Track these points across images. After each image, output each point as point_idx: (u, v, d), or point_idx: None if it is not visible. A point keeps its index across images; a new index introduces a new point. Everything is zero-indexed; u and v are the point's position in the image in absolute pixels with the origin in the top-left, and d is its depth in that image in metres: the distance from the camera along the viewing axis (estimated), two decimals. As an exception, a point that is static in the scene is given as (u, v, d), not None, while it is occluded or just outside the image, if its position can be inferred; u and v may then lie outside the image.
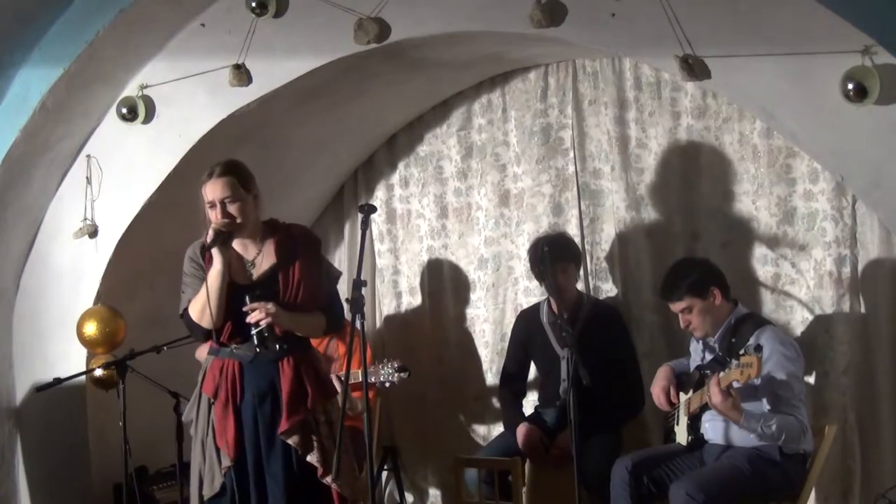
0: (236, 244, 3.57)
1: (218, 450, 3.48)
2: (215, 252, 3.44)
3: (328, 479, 3.46)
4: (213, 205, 3.50)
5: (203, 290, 3.42)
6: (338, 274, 3.73)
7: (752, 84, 3.65)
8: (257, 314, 3.40)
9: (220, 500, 3.50)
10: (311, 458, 3.46)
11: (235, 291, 3.46)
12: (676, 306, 3.91)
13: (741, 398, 3.60)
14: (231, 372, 3.50)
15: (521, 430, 4.35)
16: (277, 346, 3.46)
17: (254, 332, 3.43)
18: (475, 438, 5.14)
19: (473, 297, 5.17)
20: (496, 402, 5.02)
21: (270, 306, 3.39)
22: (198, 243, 3.56)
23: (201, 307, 3.43)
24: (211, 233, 3.43)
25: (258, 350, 3.45)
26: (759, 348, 3.54)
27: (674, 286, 3.91)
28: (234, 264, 3.54)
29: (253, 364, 3.50)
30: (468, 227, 5.16)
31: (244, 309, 3.42)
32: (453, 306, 5.23)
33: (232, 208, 3.48)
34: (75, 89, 4.45)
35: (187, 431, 3.67)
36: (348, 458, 3.52)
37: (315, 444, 3.47)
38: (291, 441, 3.45)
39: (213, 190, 3.49)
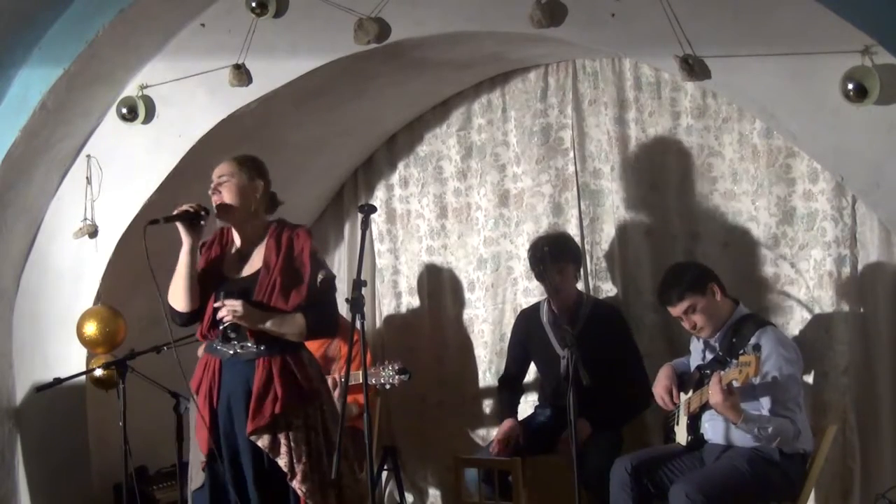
0: (236, 238, 3.58)
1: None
2: (183, 233, 3.44)
3: (295, 484, 3.42)
4: (212, 183, 3.51)
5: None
6: (330, 276, 3.57)
7: (752, 84, 3.65)
8: (222, 311, 3.40)
9: (204, 493, 3.52)
10: (280, 462, 3.42)
11: (222, 285, 3.48)
12: (678, 308, 3.87)
13: (740, 399, 3.60)
14: (212, 369, 3.50)
15: (504, 424, 4.38)
16: (255, 347, 3.44)
17: (220, 328, 3.44)
18: (474, 438, 5.14)
19: (472, 297, 5.17)
20: (495, 402, 5.02)
21: (237, 304, 3.37)
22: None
23: (173, 289, 3.47)
24: (176, 211, 3.44)
25: (236, 349, 3.45)
26: (757, 347, 3.54)
27: (672, 287, 3.88)
28: (229, 259, 3.56)
29: (230, 362, 3.48)
30: (467, 227, 5.16)
31: (214, 305, 3.42)
32: (452, 307, 5.23)
33: (224, 188, 3.48)
34: (75, 89, 4.45)
35: (187, 431, 3.68)
36: (329, 463, 3.46)
37: (283, 448, 3.42)
38: (259, 443, 3.42)
39: (215, 172, 3.52)
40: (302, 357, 3.55)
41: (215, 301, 3.42)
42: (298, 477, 3.41)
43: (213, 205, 3.50)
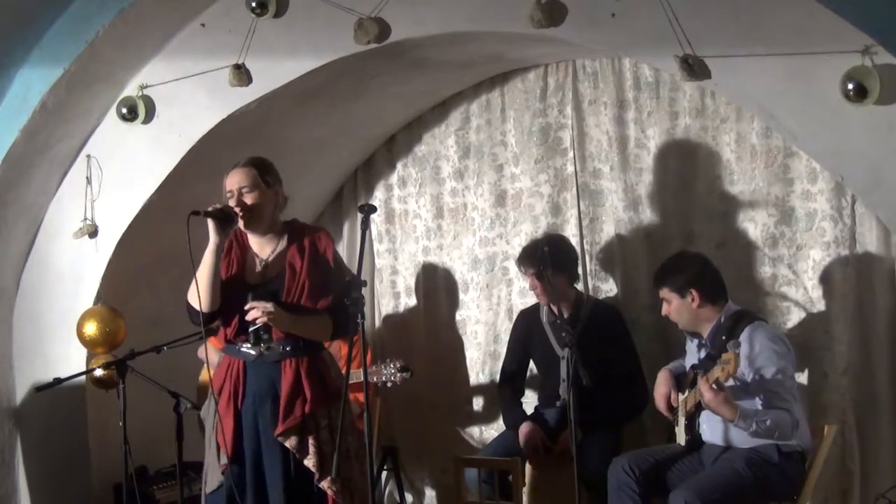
0: (253, 242, 3.58)
1: (219, 447, 3.49)
2: (212, 231, 3.41)
3: (324, 484, 3.43)
4: (231, 194, 3.49)
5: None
6: (351, 276, 3.59)
7: (752, 84, 3.66)
8: (254, 312, 3.40)
9: (218, 496, 3.51)
10: (308, 463, 3.43)
11: (244, 289, 3.47)
12: (659, 294, 3.97)
13: (734, 397, 3.61)
14: (235, 371, 3.51)
15: (523, 430, 4.36)
16: (281, 348, 3.45)
17: (250, 330, 3.44)
18: (468, 440, 5.14)
19: (466, 298, 5.17)
20: (489, 404, 5.02)
21: (269, 306, 3.38)
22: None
23: (194, 287, 3.44)
24: (211, 207, 3.41)
25: (262, 350, 3.45)
26: (737, 345, 3.57)
27: (659, 275, 3.98)
28: (249, 262, 3.56)
29: (256, 364, 3.49)
30: (463, 227, 5.16)
31: (245, 307, 3.42)
32: (447, 307, 5.23)
33: (248, 197, 3.47)
34: (75, 89, 4.44)
35: (187, 431, 3.67)
36: (359, 465, 3.49)
37: (312, 448, 3.43)
38: (288, 444, 3.43)
39: (232, 180, 3.50)
40: (324, 357, 3.59)
41: (245, 304, 3.42)
42: (328, 477, 3.41)
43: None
